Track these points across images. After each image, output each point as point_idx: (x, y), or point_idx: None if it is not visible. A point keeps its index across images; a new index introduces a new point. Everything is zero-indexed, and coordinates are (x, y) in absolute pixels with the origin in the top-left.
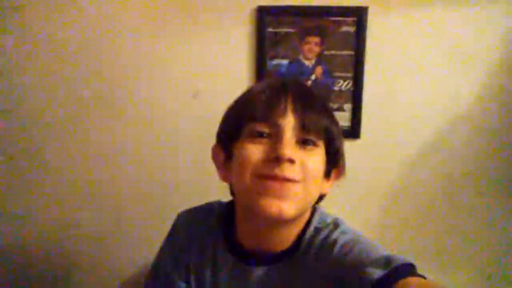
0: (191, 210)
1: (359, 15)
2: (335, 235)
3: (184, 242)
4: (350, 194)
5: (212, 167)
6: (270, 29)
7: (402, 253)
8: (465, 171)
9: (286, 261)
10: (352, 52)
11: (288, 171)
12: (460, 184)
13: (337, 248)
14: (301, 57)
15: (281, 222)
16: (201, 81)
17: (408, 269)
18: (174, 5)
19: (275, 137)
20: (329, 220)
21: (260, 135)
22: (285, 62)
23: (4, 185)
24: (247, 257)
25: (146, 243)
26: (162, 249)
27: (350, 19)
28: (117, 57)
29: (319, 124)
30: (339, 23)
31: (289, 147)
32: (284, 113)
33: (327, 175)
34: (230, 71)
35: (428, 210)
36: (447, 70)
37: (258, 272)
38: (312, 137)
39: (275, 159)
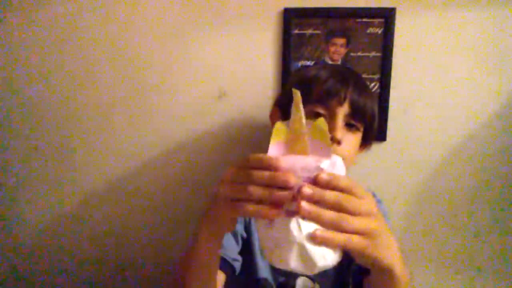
0: None
1: (386, 16)
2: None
3: None
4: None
5: None
6: (295, 31)
7: (426, 258)
8: (495, 175)
9: None
10: (378, 54)
11: (335, 150)
12: (490, 188)
13: None
14: (326, 58)
15: None
16: (226, 82)
17: None
18: (200, 7)
19: (329, 118)
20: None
21: (317, 115)
22: (310, 63)
23: (33, 181)
24: None
25: (172, 241)
26: None
27: (377, 20)
28: (144, 56)
29: (367, 112)
30: (366, 25)
31: (339, 130)
32: (342, 102)
33: (358, 148)
34: (255, 73)
35: (456, 215)
36: (477, 72)
37: None
38: (358, 123)
39: None
